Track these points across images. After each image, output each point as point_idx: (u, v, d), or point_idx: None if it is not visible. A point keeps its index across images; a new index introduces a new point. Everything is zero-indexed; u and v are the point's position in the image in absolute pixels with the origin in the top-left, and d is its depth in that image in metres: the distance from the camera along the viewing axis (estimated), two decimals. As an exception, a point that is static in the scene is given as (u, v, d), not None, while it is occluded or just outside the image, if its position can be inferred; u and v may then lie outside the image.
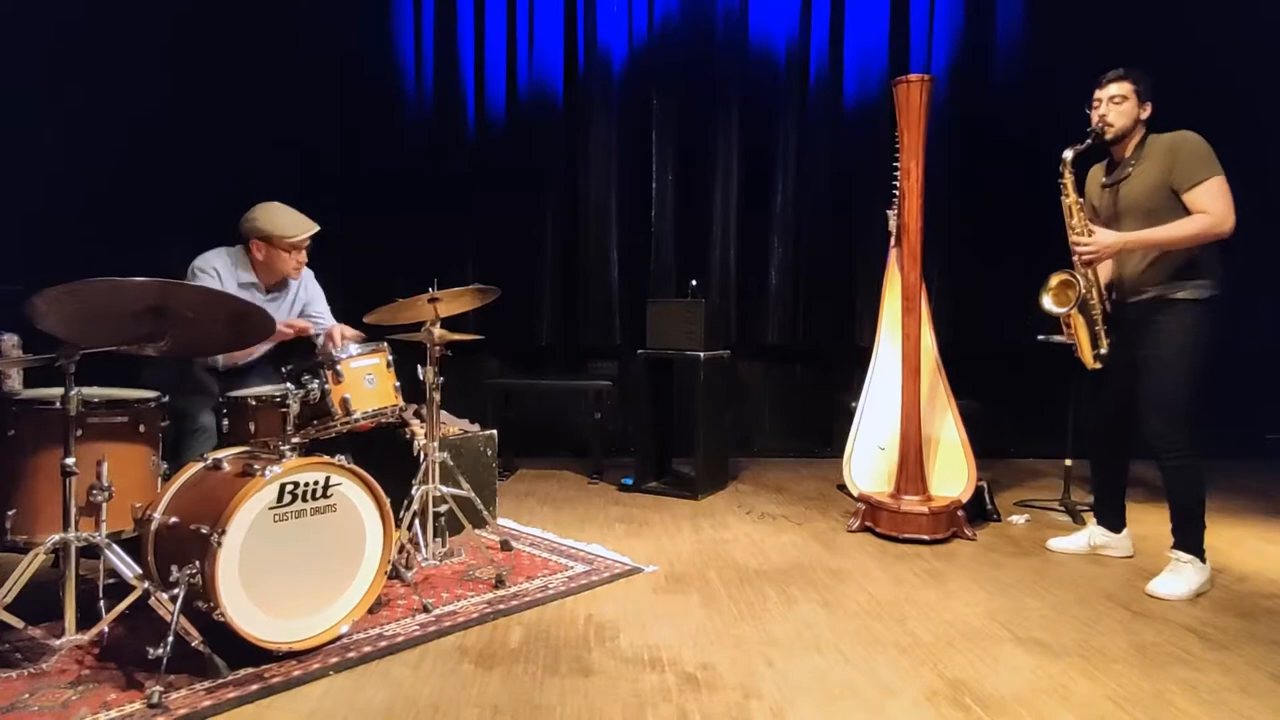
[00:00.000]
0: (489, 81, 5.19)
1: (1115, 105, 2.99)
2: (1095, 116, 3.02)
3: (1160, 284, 2.96)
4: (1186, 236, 2.86)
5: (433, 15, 5.15)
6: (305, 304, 3.39)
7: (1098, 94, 3.04)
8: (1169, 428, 2.90)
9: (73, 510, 2.18)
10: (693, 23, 5.20)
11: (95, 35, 4.42)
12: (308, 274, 3.38)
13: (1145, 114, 3.00)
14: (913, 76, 3.65)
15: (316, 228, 3.15)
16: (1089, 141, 3.03)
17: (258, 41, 4.75)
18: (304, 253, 3.19)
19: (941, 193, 4.96)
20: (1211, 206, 2.82)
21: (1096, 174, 3.19)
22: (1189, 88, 4.94)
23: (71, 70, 4.39)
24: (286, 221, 3.10)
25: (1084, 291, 3.08)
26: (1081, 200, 3.09)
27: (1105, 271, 3.18)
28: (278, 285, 3.25)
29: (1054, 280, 3.16)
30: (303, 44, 4.87)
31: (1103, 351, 3.12)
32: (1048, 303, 3.17)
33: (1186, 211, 2.87)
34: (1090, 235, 3.00)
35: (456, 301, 3.14)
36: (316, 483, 2.39)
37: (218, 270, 3.09)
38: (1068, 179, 3.07)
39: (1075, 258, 3.06)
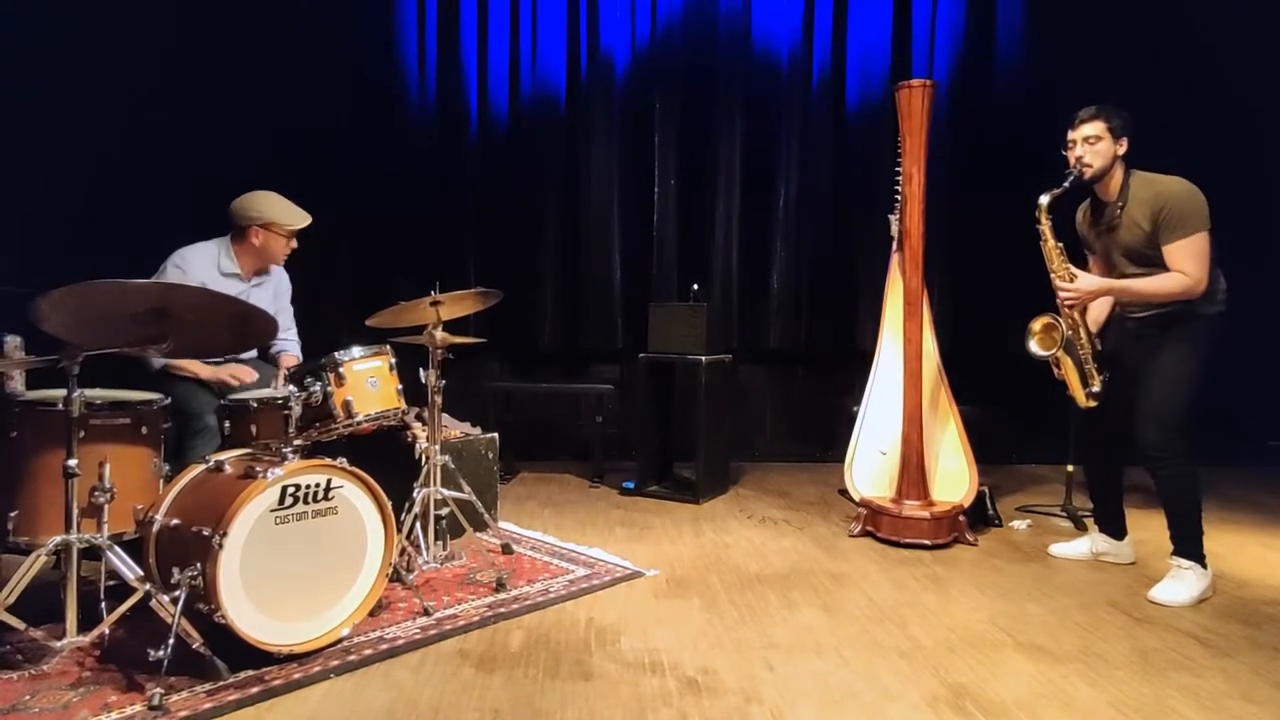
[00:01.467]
0: (492, 84, 5.20)
1: (1090, 145, 2.96)
2: (1072, 158, 3.00)
3: (1166, 302, 2.96)
4: (1163, 293, 2.89)
5: (435, 18, 5.15)
6: (278, 303, 3.47)
7: (1071, 135, 3.01)
8: (1163, 437, 2.91)
9: (74, 512, 2.18)
10: (695, 26, 5.20)
11: (97, 37, 4.43)
12: (284, 283, 3.50)
13: (1122, 150, 2.97)
14: (915, 81, 3.65)
15: (310, 218, 3.30)
16: (1067, 185, 3.00)
17: (260, 44, 4.76)
18: (294, 240, 3.33)
19: (943, 197, 4.96)
20: (1186, 267, 2.84)
21: (1086, 210, 3.20)
22: (1190, 95, 4.98)
23: (72, 73, 4.40)
24: (286, 211, 3.26)
25: (1067, 333, 3.08)
26: (1060, 245, 3.07)
27: (1098, 309, 3.20)
28: (259, 273, 3.35)
29: (1037, 324, 3.15)
30: (305, 46, 4.88)
31: (1094, 389, 3.12)
32: (1034, 347, 3.15)
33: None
34: (1072, 280, 3.01)
35: (458, 305, 3.15)
36: (318, 485, 2.39)
37: (200, 267, 3.17)
38: (1045, 225, 3.06)
39: (1058, 300, 3.08)
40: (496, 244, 5.23)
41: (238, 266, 3.26)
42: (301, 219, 3.27)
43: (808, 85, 5.25)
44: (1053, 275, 3.08)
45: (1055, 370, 3.21)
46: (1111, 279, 3.03)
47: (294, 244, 3.33)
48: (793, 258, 5.31)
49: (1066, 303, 3.06)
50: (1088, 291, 3.01)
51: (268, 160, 4.69)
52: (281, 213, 3.23)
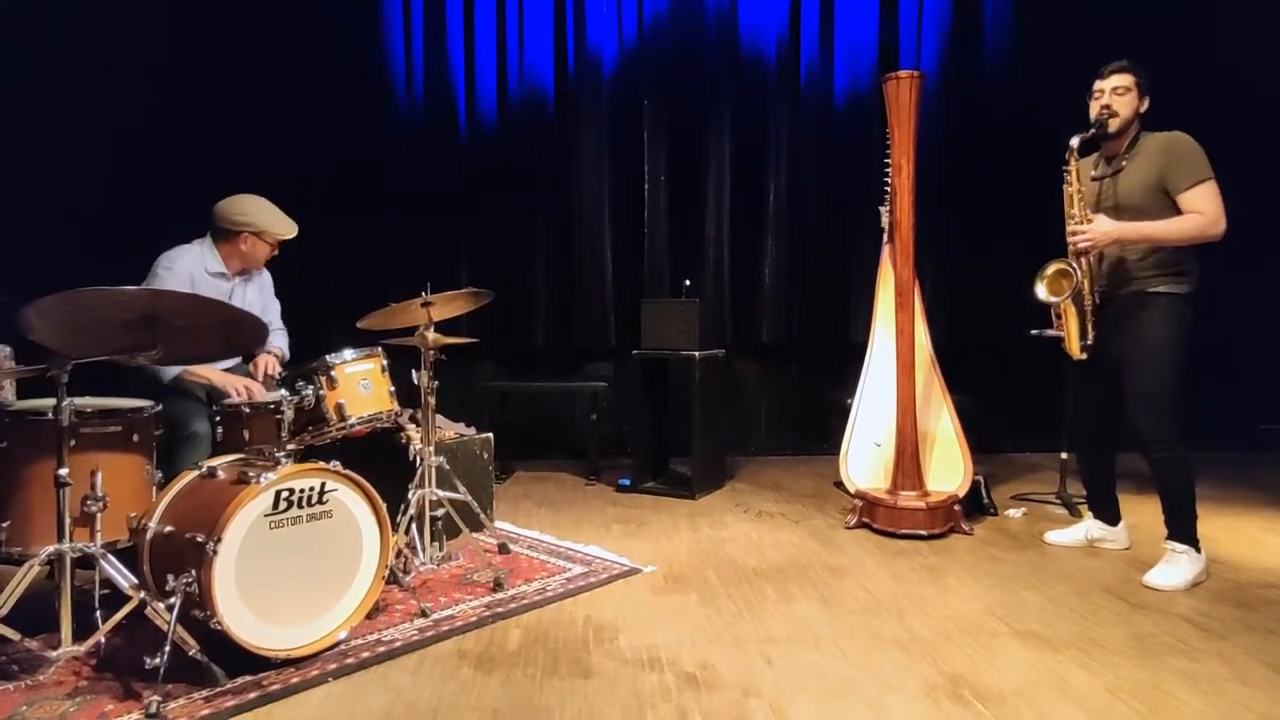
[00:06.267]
0: (480, 84, 5.19)
1: (1118, 96, 2.98)
2: (1097, 107, 3.01)
3: (1143, 278, 2.98)
4: (1181, 235, 2.87)
5: (421, 18, 5.13)
6: (264, 299, 3.49)
7: (1099, 85, 3.03)
8: (1155, 421, 2.92)
9: (67, 521, 2.17)
10: (682, 22, 5.20)
11: (89, 41, 4.41)
12: (267, 277, 3.49)
13: (1143, 108, 3.00)
14: (902, 73, 3.65)
15: (297, 229, 3.31)
16: (1094, 131, 3.01)
17: (248, 48, 4.74)
18: (278, 248, 3.35)
19: (933, 188, 4.95)
20: (1205, 209, 2.84)
21: (1086, 167, 3.18)
22: (1179, 81, 4.97)
23: (63, 77, 4.37)
24: (277, 221, 3.25)
25: (1080, 281, 3.05)
26: (1082, 190, 3.08)
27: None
28: (243, 272, 3.34)
29: (1050, 269, 3.12)
30: (294, 48, 4.86)
31: (1089, 342, 3.12)
32: (1041, 291, 3.13)
33: (1178, 212, 2.89)
34: (1088, 224, 3.00)
35: (450, 305, 3.14)
36: (312, 489, 2.39)
37: (186, 267, 3.16)
38: (1074, 166, 3.06)
39: (1070, 246, 3.06)
40: (487, 244, 5.22)
41: (223, 266, 3.24)
42: (290, 229, 3.26)
43: (796, 78, 5.26)
44: (1069, 220, 3.06)
45: (1056, 320, 3.19)
46: (1124, 224, 2.97)
47: (276, 250, 3.33)
48: (784, 252, 5.31)
49: (1080, 246, 3.01)
50: (1103, 234, 2.97)
51: (256, 162, 4.66)
52: (273, 222, 3.23)
